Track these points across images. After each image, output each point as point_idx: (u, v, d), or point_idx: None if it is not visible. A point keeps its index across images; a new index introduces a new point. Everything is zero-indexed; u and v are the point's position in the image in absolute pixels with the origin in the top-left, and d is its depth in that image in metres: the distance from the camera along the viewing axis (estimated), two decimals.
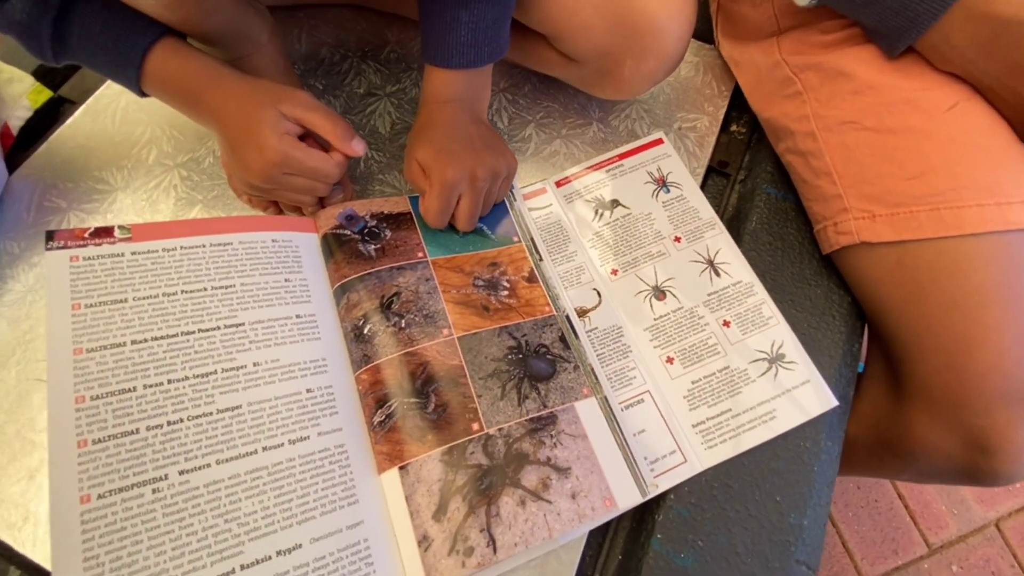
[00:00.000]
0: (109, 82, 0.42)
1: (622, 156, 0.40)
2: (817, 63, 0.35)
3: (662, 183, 0.39)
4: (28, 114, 0.41)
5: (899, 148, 0.31)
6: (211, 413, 0.27)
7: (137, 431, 0.25)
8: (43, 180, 0.38)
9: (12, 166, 0.39)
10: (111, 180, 0.39)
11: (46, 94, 0.43)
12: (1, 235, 0.36)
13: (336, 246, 0.34)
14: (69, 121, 0.40)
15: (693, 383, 0.33)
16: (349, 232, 0.34)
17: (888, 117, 0.31)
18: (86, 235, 0.29)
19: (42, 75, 0.43)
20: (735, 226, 0.40)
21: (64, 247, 0.28)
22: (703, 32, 0.46)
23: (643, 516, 0.32)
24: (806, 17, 0.35)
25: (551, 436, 0.29)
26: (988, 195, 0.29)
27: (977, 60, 0.29)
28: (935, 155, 0.30)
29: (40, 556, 0.29)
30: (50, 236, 0.28)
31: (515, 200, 0.38)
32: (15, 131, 0.41)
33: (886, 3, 0.29)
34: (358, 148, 0.33)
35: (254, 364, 0.29)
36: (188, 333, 0.28)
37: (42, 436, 0.31)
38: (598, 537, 0.31)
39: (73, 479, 0.24)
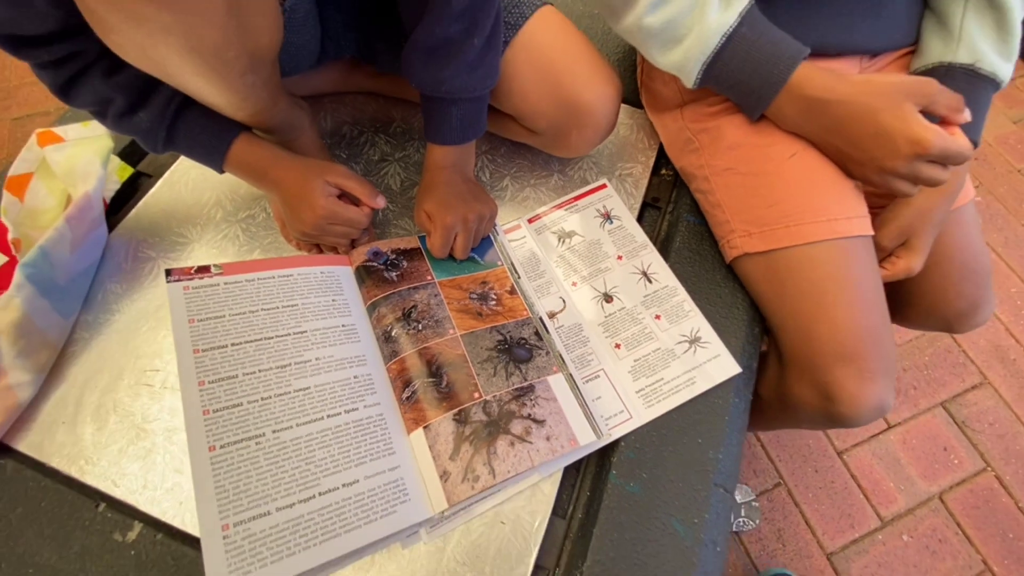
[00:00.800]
0: (181, 159, 0.55)
1: (576, 198, 0.54)
2: (706, 127, 0.49)
3: (607, 216, 0.52)
4: (117, 187, 0.54)
5: (761, 186, 0.45)
6: (289, 392, 0.38)
7: (241, 404, 0.36)
8: (135, 237, 0.50)
9: (109, 227, 0.51)
10: (188, 234, 0.51)
11: (128, 170, 0.55)
12: (107, 279, 0.48)
13: (366, 275, 0.46)
14: (152, 191, 0.53)
15: (635, 361, 0.45)
16: (375, 264, 0.46)
17: (752, 164, 0.45)
18: (192, 272, 0.41)
19: (125, 155, 0.56)
20: (666, 246, 0.53)
21: (178, 280, 0.40)
22: (636, 100, 0.60)
23: (602, 459, 0.43)
24: (698, 94, 0.49)
25: (531, 400, 0.40)
26: (820, 215, 0.42)
27: (802, 124, 0.43)
28: (783, 189, 0.44)
29: (156, 512, 0.39)
30: (168, 273, 0.40)
31: (497, 235, 0.51)
32: (107, 201, 0.53)
33: (740, 89, 0.44)
34: (380, 203, 0.45)
35: (316, 359, 0.40)
36: (268, 338, 0.40)
37: (153, 425, 0.42)
38: (571, 476, 0.43)
39: (203, 435, 0.35)
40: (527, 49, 0.45)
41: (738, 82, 0.43)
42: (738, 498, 0.78)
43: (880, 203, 0.48)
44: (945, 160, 0.39)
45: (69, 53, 0.36)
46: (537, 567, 0.39)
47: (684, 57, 0.43)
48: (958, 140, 0.39)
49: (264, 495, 0.34)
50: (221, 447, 0.35)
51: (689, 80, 0.44)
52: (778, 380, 0.48)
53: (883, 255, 0.48)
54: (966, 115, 0.40)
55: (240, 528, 0.33)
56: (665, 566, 0.38)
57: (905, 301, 0.58)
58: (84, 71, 0.37)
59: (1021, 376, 1.00)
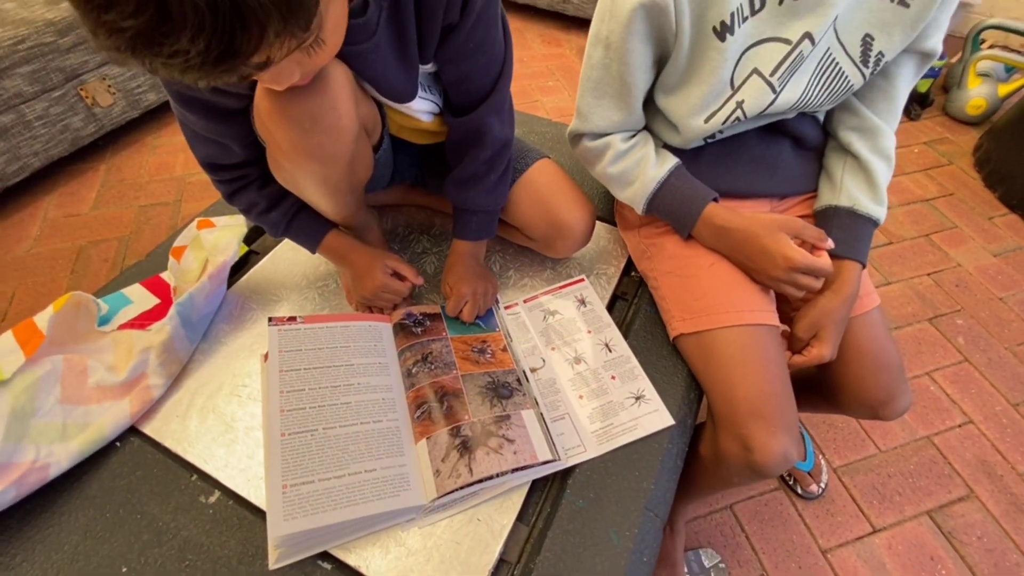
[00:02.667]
0: (281, 244, 0.77)
1: (561, 287, 0.72)
2: (655, 242, 0.67)
3: (582, 302, 0.70)
4: (236, 258, 0.76)
5: (691, 285, 0.62)
6: (337, 404, 0.55)
7: (304, 408, 0.53)
8: (244, 294, 0.71)
9: (228, 286, 0.72)
10: (280, 295, 0.71)
11: (245, 248, 0.78)
12: (220, 321, 0.68)
13: (400, 329, 0.64)
14: (259, 264, 0.75)
15: (593, 409, 0.60)
16: (407, 322, 0.65)
17: (685, 269, 0.63)
18: (284, 320, 0.60)
19: (245, 239, 0.79)
20: (629, 327, 0.69)
21: (275, 325, 0.59)
22: (613, 221, 0.81)
23: (561, 481, 0.56)
24: (649, 219, 0.69)
25: (506, 425, 0.55)
26: (731, 308, 0.59)
27: (715, 244, 0.61)
28: (706, 288, 0.61)
29: (231, 484, 0.54)
30: (270, 320, 0.60)
31: (498, 308, 0.69)
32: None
33: (672, 218, 0.63)
34: (419, 281, 0.65)
35: (357, 383, 0.57)
36: (328, 367, 0.57)
37: (237, 424, 0.59)
38: (537, 492, 0.55)
39: (278, 426, 0.51)
40: (528, 185, 0.67)
41: (670, 213, 0.63)
42: (705, 563, 0.84)
43: (799, 304, 0.63)
44: (811, 272, 0.56)
45: (242, 175, 0.59)
46: (501, 560, 0.51)
47: (634, 195, 0.63)
48: (820, 259, 0.56)
49: (311, 469, 0.49)
50: (288, 435, 0.51)
51: (639, 210, 0.64)
52: (712, 440, 0.61)
53: (801, 345, 0.62)
54: (829, 243, 0.57)
55: (293, 489, 0.48)
56: (601, 566, 0.50)
57: (837, 392, 0.70)
58: (246, 186, 0.60)
59: (1008, 492, 1.03)
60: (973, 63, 1.81)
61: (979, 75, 1.80)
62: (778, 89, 0.55)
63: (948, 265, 1.44)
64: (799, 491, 1.01)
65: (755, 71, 0.54)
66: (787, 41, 0.52)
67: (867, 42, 0.54)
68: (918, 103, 1.85)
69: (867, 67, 0.56)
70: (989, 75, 1.81)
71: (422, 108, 0.58)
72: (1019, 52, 1.92)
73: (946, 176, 1.69)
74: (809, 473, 1.01)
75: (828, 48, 0.55)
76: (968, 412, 1.15)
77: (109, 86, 1.58)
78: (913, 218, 1.56)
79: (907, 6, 0.52)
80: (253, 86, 0.48)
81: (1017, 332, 1.29)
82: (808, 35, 0.52)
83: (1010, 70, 1.79)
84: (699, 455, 0.66)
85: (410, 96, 0.55)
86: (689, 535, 0.94)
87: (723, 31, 0.51)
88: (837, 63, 0.55)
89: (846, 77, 0.56)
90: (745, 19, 0.51)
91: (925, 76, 1.79)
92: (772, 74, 0.54)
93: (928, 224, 1.54)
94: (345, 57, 0.47)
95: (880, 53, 0.55)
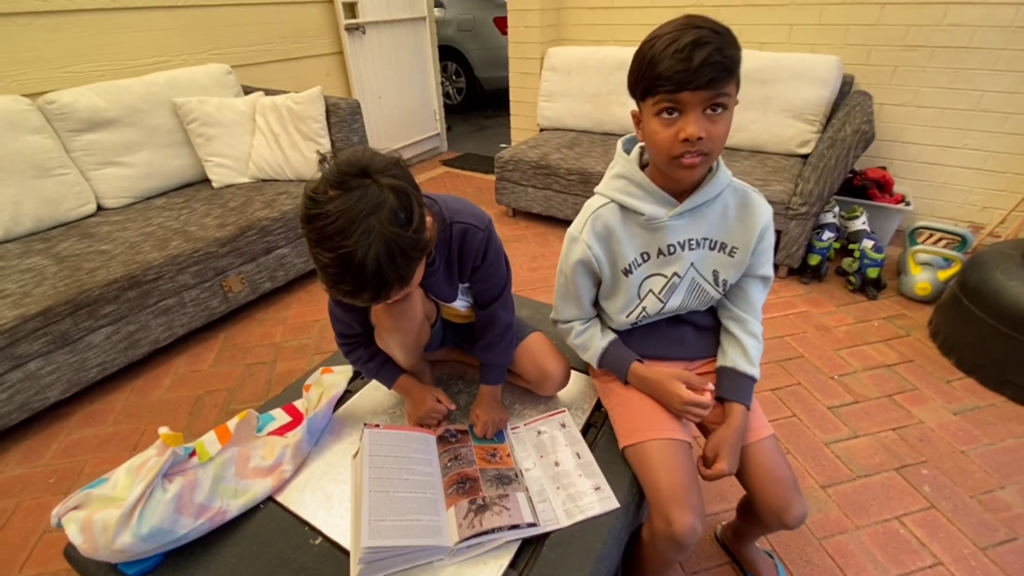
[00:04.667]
0: (369, 385, 1.19)
1: (549, 415, 1.08)
2: (608, 386, 1.05)
3: (563, 425, 1.05)
4: (342, 393, 1.17)
5: (629, 414, 0.98)
6: (399, 479, 0.89)
7: (382, 479, 0.88)
8: (343, 417, 1.11)
9: (334, 410, 1.12)
10: (365, 418, 1.11)
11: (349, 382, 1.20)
12: (327, 433, 1.07)
13: (440, 440, 1.01)
14: (353, 398, 1.16)
15: (565, 495, 0.91)
16: (446, 435, 1.02)
17: (625, 404, 0.99)
18: (374, 425, 0.99)
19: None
20: (597, 445, 1.02)
21: (369, 428, 0.98)
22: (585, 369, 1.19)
23: (540, 542, 0.85)
24: (604, 371, 1.07)
25: (505, 500, 0.88)
26: (653, 428, 0.93)
27: (641, 388, 0.98)
28: (638, 415, 0.96)
29: (330, 533, 0.87)
30: (365, 424, 0.99)
31: (506, 429, 1.06)
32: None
33: (614, 372, 1.02)
34: (453, 407, 1.05)
35: (411, 468, 0.92)
36: (396, 456, 0.94)
37: (335, 496, 0.93)
38: (526, 549, 0.84)
39: (367, 485, 0.86)
40: (525, 348, 1.09)
41: (612, 368, 1.02)
42: None
43: (713, 426, 0.97)
44: (694, 405, 0.91)
45: (356, 341, 1.04)
46: None
47: (590, 357, 1.04)
48: (702, 397, 0.92)
49: (385, 513, 0.83)
50: (373, 492, 0.86)
51: (595, 365, 1.04)
52: (650, 524, 0.90)
53: (710, 463, 0.94)
54: (710, 387, 0.94)
55: (375, 522, 0.81)
56: None
57: (754, 507, 0.98)
58: (358, 346, 1.05)
59: None
60: (912, 254, 2.26)
61: (919, 263, 2.23)
62: (664, 301, 0.98)
63: (911, 422, 1.68)
64: None
65: (650, 291, 0.97)
66: (665, 275, 0.96)
67: (716, 274, 0.98)
68: (873, 286, 2.27)
69: (719, 287, 0.98)
70: (930, 263, 2.23)
71: (460, 304, 1.05)
72: (952, 235, 2.39)
73: (905, 346, 2.01)
74: None
75: (693, 277, 0.98)
76: (937, 554, 1.30)
77: (242, 278, 2.23)
78: (876, 381, 1.84)
79: (732, 256, 0.97)
80: None
81: (980, 482, 1.48)
82: (676, 273, 0.96)
83: (948, 259, 2.22)
84: (642, 539, 0.93)
85: (453, 299, 1.02)
86: None
87: (627, 271, 0.96)
88: (700, 285, 0.98)
89: (707, 292, 0.99)
90: (639, 265, 0.96)
91: (871, 265, 2.23)
92: (660, 292, 0.97)
93: (891, 386, 1.82)
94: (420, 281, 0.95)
95: (725, 280, 0.98)
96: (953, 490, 1.45)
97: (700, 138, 0.74)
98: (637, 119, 0.84)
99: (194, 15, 2.64)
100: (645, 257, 0.95)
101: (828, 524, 1.37)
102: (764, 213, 0.93)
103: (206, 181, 2.58)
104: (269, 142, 2.53)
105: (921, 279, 2.19)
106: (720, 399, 0.97)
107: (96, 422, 1.79)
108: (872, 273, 2.24)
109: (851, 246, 2.38)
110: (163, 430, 0.87)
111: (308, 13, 3.18)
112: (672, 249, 0.93)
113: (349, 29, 3.40)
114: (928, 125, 2.57)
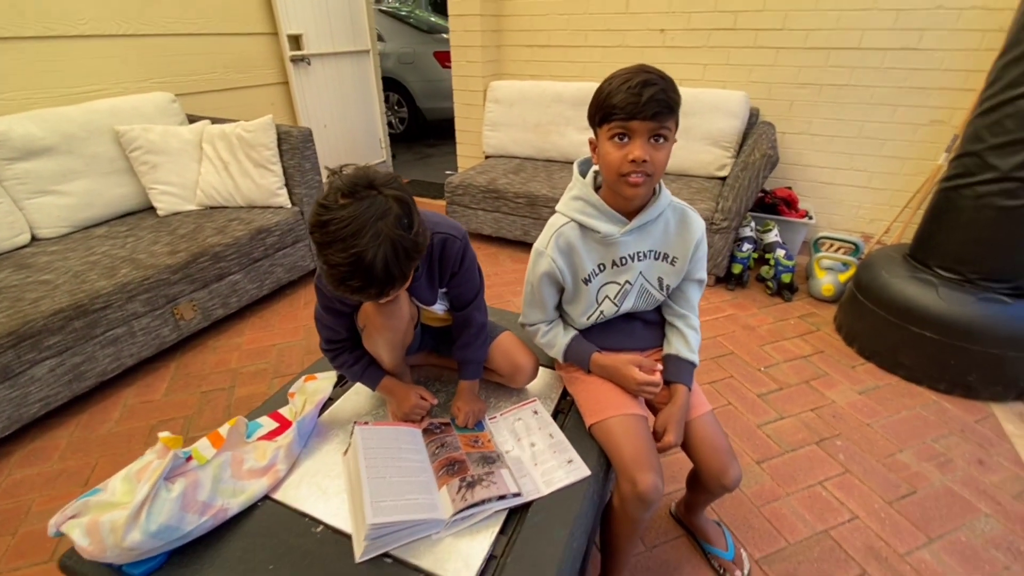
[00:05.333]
0: (352, 388, 1.27)
1: (522, 405, 1.21)
2: (574, 376, 1.20)
3: (536, 413, 1.18)
4: (326, 398, 1.24)
5: (592, 396, 1.13)
6: (392, 466, 0.98)
7: (377, 467, 0.97)
8: (328, 420, 1.18)
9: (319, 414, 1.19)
10: (349, 419, 1.18)
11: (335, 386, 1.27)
12: (315, 436, 1.13)
13: (425, 432, 1.11)
14: (337, 402, 1.23)
15: (543, 470, 1.04)
16: (430, 428, 1.12)
17: (589, 388, 1.14)
18: (362, 422, 1.07)
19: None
20: (566, 427, 1.16)
21: (359, 425, 1.06)
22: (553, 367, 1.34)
23: (524, 510, 0.97)
24: (569, 364, 1.22)
25: (490, 476, 0.99)
26: (613, 406, 1.08)
27: (602, 374, 1.14)
28: (600, 397, 1.11)
29: (330, 521, 0.94)
30: (355, 423, 1.07)
31: (484, 419, 1.17)
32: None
33: (577, 363, 1.17)
34: (435, 401, 1.16)
35: (405, 456, 1.02)
36: (386, 448, 1.03)
37: (330, 489, 1.00)
38: (512, 517, 0.95)
39: (365, 472, 0.94)
40: (498, 345, 1.22)
41: (575, 360, 1.17)
42: None
43: (661, 406, 1.13)
44: (647, 384, 1.08)
45: (342, 346, 1.13)
46: (491, 556, 0.89)
47: (556, 353, 1.18)
48: (653, 377, 1.08)
49: (385, 495, 0.91)
50: (372, 478, 0.94)
51: (561, 359, 1.18)
52: (619, 491, 1.04)
53: (659, 436, 1.10)
54: (659, 368, 1.11)
55: (376, 503, 0.89)
56: (549, 549, 0.89)
57: (700, 475, 1.15)
58: (343, 351, 1.14)
59: (894, 570, 1.36)
60: (816, 261, 2.61)
61: (824, 268, 2.58)
62: (619, 304, 1.15)
63: (825, 403, 1.95)
64: None
65: (606, 296, 1.14)
66: (619, 283, 1.13)
67: (660, 280, 1.16)
68: (787, 290, 2.59)
69: (663, 291, 1.17)
70: (832, 268, 2.59)
71: (438, 307, 1.17)
72: (848, 243, 2.76)
73: (816, 339, 2.31)
74: (732, 561, 1.34)
75: (642, 284, 1.15)
76: (854, 510, 1.53)
77: (194, 305, 2.20)
78: (795, 370, 2.11)
79: (674, 265, 1.15)
80: (359, 303, 1.06)
81: (883, 448, 1.74)
82: (628, 281, 1.13)
83: (846, 264, 2.58)
84: (613, 508, 1.07)
85: (433, 303, 1.14)
86: None
87: (587, 280, 1.12)
88: (648, 290, 1.16)
89: (653, 296, 1.17)
90: (596, 275, 1.12)
91: (785, 272, 2.55)
92: (615, 297, 1.14)
93: (807, 374, 2.10)
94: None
95: (668, 284, 1.16)
96: (862, 456, 1.71)
97: (645, 160, 0.92)
98: (594, 145, 1.02)
99: (136, 44, 2.64)
100: (601, 268, 1.11)
101: (764, 493, 1.57)
102: (699, 227, 1.13)
103: (150, 209, 2.54)
104: (218, 169, 2.54)
105: (826, 282, 2.53)
106: (667, 382, 1.14)
107: (39, 460, 1.71)
108: (786, 278, 2.57)
109: (767, 256, 2.71)
110: (163, 434, 0.91)
111: (253, 44, 3.23)
112: (624, 261, 1.10)
113: (294, 60, 3.48)
114: (822, 150, 3.00)
